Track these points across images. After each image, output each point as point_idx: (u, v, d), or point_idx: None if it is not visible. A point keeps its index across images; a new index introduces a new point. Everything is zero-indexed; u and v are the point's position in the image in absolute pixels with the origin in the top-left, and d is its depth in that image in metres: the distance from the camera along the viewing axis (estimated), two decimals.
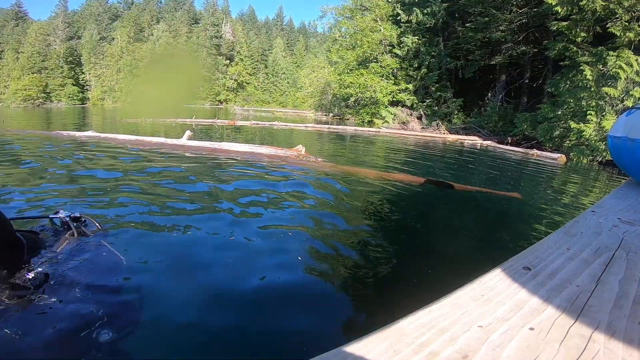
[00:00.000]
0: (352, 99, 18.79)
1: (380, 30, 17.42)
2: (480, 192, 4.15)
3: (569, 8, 9.15)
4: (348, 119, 19.62)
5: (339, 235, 2.46)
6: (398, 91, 16.98)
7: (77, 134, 7.23)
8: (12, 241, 1.24)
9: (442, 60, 15.86)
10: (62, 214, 1.63)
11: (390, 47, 17.32)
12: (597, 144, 8.54)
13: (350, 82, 18.07)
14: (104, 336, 1.14)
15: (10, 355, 1.04)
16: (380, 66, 17.43)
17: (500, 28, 12.69)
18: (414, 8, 15.79)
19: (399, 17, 16.76)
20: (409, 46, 16.30)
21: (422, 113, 16.41)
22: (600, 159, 8.58)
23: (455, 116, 15.28)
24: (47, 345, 1.08)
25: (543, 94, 12.04)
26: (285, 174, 4.35)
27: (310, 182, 4.01)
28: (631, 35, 8.33)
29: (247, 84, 53.47)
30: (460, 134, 13.40)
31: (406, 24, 16.48)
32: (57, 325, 1.14)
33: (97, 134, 6.99)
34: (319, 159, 5.44)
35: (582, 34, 9.29)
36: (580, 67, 8.98)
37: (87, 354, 1.11)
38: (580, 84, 9.09)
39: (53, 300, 1.20)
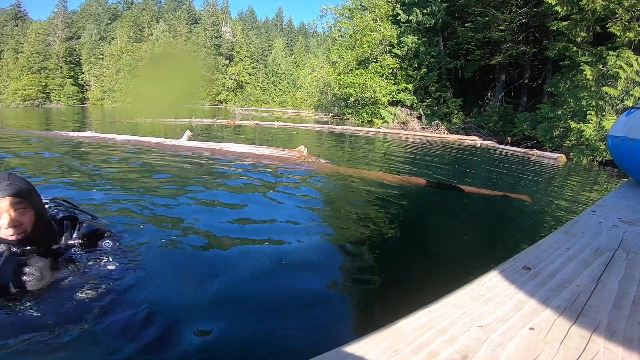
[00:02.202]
0: (352, 99, 18.79)
1: (379, 30, 17.42)
2: (483, 194, 4.14)
3: (569, 8, 9.16)
4: (348, 119, 19.60)
5: (340, 236, 2.46)
6: (398, 91, 16.98)
7: (76, 134, 7.22)
8: (49, 226, 1.40)
9: (442, 60, 15.86)
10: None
11: (390, 47, 17.32)
12: (597, 144, 8.54)
13: (350, 82, 18.07)
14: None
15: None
16: (380, 66, 17.43)
17: (500, 28, 12.70)
18: (414, 8, 15.79)
19: (398, 17, 16.76)
20: (408, 46, 16.30)
21: (421, 113, 16.41)
22: (600, 159, 8.58)
23: (455, 116, 15.28)
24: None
25: (543, 94, 12.04)
26: (287, 175, 4.34)
27: (312, 184, 4.01)
28: (631, 35, 8.34)
29: (247, 84, 53.49)
30: (460, 134, 13.40)
31: (406, 24, 16.48)
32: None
33: (96, 134, 6.98)
34: (321, 160, 5.41)
35: (582, 34, 9.29)
36: (580, 67, 8.98)
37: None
38: (580, 83, 9.09)
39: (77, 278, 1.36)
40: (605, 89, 8.52)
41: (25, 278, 1.20)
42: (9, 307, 1.18)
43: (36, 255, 1.26)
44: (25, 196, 1.24)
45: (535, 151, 9.36)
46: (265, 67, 55.11)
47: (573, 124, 9.09)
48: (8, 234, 1.22)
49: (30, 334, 1.13)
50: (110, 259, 1.47)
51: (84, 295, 1.27)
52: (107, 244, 1.51)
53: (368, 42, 17.54)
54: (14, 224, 1.22)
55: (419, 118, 16.38)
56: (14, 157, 4.86)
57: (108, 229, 1.59)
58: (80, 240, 1.42)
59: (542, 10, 11.14)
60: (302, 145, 5.66)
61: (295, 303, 1.60)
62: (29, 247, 1.27)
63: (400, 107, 16.95)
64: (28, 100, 42.86)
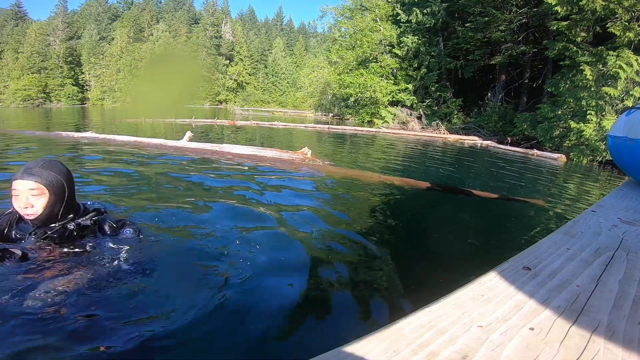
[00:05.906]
0: (352, 99, 18.79)
1: (379, 30, 17.42)
2: (486, 196, 4.14)
3: (569, 8, 9.16)
4: (348, 119, 19.60)
5: (341, 237, 2.46)
6: (398, 91, 16.98)
7: (76, 134, 7.21)
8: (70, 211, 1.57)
9: (442, 60, 15.86)
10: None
11: (390, 47, 17.32)
12: (597, 144, 8.54)
13: (350, 82, 18.06)
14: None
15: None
16: (380, 66, 17.43)
17: (500, 28, 12.70)
18: (414, 8, 15.79)
19: (398, 17, 16.76)
20: (408, 46, 16.29)
21: (421, 113, 16.41)
22: (600, 159, 8.58)
23: (455, 116, 15.27)
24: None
25: (543, 94, 12.04)
26: (290, 178, 4.32)
27: (315, 186, 4.00)
28: (631, 35, 8.34)
29: (247, 84, 53.47)
30: (460, 134, 13.39)
31: (406, 24, 16.48)
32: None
33: (96, 135, 6.97)
34: (325, 162, 5.37)
35: (582, 34, 9.29)
36: (580, 67, 8.98)
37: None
38: (580, 83, 9.09)
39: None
40: (605, 89, 8.52)
41: None
42: None
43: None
44: (46, 183, 1.41)
45: (535, 151, 9.36)
46: (265, 67, 55.08)
47: (573, 124, 9.08)
48: (23, 212, 1.44)
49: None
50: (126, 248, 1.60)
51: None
52: (127, 231, 1.67)
53: (368, 42, 17.54)
54: (27, 205, 1.42)
55: (419, 118, 16.38)
56: (14, 157, 4.86)
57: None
58: (90, 222, 1.58)
59: (542, 10, 11.14)
60: (306, 147, 5.58)
61: (295, 303, 1.60)
62: (38, 225, 1.47)
63: (400, 107, 16.94)
64: (28, 100, 42.82)
